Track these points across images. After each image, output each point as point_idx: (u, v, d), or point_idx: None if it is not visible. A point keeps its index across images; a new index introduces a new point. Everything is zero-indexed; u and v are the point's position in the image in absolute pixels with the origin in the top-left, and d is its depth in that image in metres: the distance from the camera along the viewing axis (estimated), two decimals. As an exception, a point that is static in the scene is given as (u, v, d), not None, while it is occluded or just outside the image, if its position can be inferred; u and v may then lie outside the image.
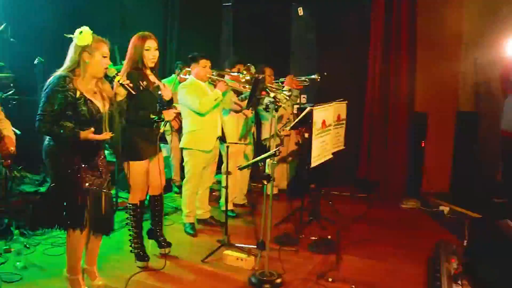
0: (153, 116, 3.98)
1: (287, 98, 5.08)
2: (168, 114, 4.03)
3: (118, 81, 3.49)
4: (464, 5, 7.04)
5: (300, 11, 8.07)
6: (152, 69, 4.18)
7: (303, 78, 6.49)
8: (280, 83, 6.31)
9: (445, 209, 6.18)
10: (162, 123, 4.12)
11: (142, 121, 4.04)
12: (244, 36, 8.20)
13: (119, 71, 3.81)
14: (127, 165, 4.14)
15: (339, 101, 5.71)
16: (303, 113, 4.99)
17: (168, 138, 6.79)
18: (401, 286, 4.15)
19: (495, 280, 3.86)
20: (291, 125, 5.43)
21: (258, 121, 6.48)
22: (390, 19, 6.70)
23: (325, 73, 6.45)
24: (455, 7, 6.95)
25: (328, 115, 5.26)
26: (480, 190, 6.96)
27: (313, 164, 4.94)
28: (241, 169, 3.97)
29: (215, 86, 5.10)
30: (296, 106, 6.44)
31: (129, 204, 4.28)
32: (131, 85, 3.55)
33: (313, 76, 6.45)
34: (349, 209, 6.22)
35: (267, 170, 4.11)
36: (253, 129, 5.95)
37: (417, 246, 5.03)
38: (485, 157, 7.03)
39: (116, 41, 6.35)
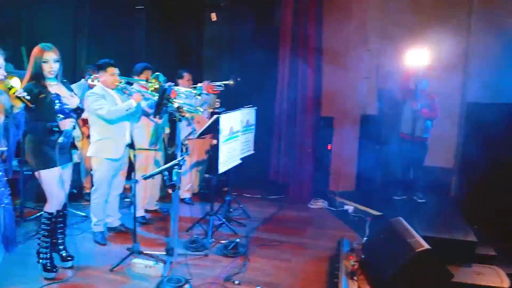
0: (52, 127, 3.94)
1: (193, 108, 5.15)
2: (63, 124, 3.98)
3: (14, 93, 3.42)
4: (368, 15, 7.48)
5: (214, 17, 8.18)
6: (57, 78, 4.13)
7: (218, 83, 6.60)
8: (197, 88, 6.40)
9: (350, 208, 6.54)
10: (74, 130, 4.12)
11: (43, 131, 3.98)
12: (158, 40, 8.17)
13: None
14: (39, 175, 4.07)
15: (247, 107, 5.87)
16: (209, 122, 5.10)
17: (79, 144, 6.65)
18: (303, 285, 4.37)
19: (387, 274, 4.16)
20: (199, 132, 5.52)
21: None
22: (298, 27, 6.96)
23: (239, 79, 6.60)
24: (359, 16, 7.36)
25: (235, 122, 5.41)
26: (382, 189, 7.44)
27: (221, 170, 5.07)
28: (145, 178, 4.00)
29: (124, 93, 5.09)
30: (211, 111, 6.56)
31: (45, 212, 4.19)
32: (28, 97, 3.49)
33: (227, 82, 6.58)
34: (260, 211, 6.42)
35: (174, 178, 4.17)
36: (164, 135, 5.97)
37: (322, 245, 5.30)
38: (387, 158, 7.52)
39: (23, 42, 6.11)
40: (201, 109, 5.28)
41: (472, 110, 7.63)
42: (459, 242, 5.50)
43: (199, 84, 6.43)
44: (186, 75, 6.41)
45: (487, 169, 7.38)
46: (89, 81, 5.83)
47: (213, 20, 8.19)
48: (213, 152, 5.14)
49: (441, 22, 7.42)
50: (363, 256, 4.76)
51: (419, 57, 6.72)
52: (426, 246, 4.11)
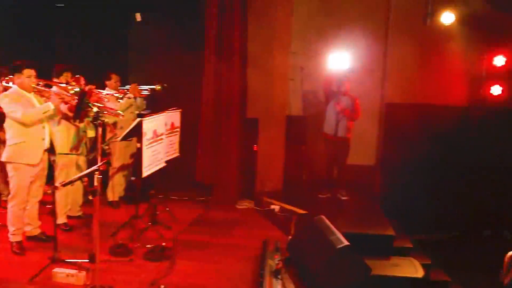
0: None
1: (114, 112, 5.05)
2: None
3: None
4: (292, 19, 7.65)
5: (138, 17, 8.05)
6: None
7: (145, 87, 6.51)
8: (125, 90, 6.30)
9: (276, 207, 6.66)
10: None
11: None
12: (80, 40, 7.91)
13: None
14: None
15: (172, 109, 5.84)
16: (132, 125, 5.03)
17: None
18: (229, 286, 4.42)
19: (310, 271, 4.30)
20: (121, 136, 5.42)
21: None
22: (223, 29, 6.99)
23: (165, 84, 6.54)
24: (283, 19, 7.50)
25: (159, 125, 5.36)
26: (308, 188, 7.65)
27: (145, 174, 5.01)
28: (65, 185, 3.88)
29: (41, 96, 4.90)
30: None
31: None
32: None
33: (154, 87, 6.50)
34: (187, 213, 6.40)
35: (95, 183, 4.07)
36: (85, 139, 5.80)
37: (249, 246, 5.37)
38: (313, 157, 7.74)
39: None
40: (122, 113, 5.19)
41: (390, 110, 8.03)
42: (378, 236, 5.79)
43: (127, 87, 6.35)
44: (114, 77, 6.29)
45: (405, 165, 7.80)
46: (3, 84, 5.54)
47: (138, 20, 8.05)
48: (137, 155, 5.06)
49: (361, 26, 7.74)
50: (288, 255, 4.89)
51: (340, 59, 6.98)
52: (345, 242, 4.28)
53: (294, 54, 7.77)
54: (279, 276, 4.34)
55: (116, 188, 6.57)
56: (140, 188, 5.50)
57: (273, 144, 7.33)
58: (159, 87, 6.42)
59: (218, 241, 5.51)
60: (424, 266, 5.46)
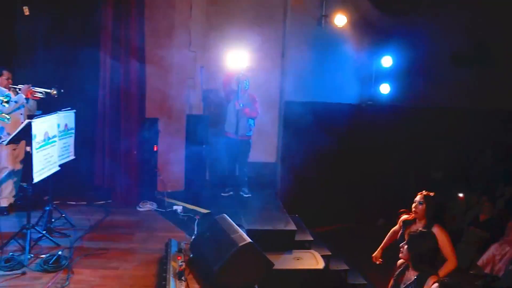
0: None
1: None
2: None
3: None
4: (191, 18, 7.58)
5: (26, 11, 7.51)
6: None
7: (40, 90, 6.07)
8: (17, 90, 5.85)
9: (179, 208, 6.58)
10: None
11: None
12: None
13: None
14: None
15: (65, 110, 5.54)
16: (20, 127, 4.69)
17: None
18: (131, 291, 4.30)
19: (213, 270, 4.29)
20: (8, 139, 5.04)
21: None
22: (119, 27, 6.74)
23: (62, 90, 6.14)
24: (182, 17, 7.42)
25: (51, 126, 5.06)
26: (210, 187, 7.65)
27: (36, 179, 4.70)
28: None
29: None
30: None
31: None
32: None
33: (49, 91, 6.08)
34: (86, 218, 6.11)
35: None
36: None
37: (151, 248, 5.25)
38: (213, 156, 7.74)
39: None
40: (8, 116, 4.82)
41: (289, 108, 8.28)
42: (280, 231, 5.95)
43: (20, 86, 5.89)
44: (6, 73, 5.85)
45: (304, 161, 8.09)
46: None
47: (25, 14, 7.51)
48: (28, 160, 4.72)
49: (259, 26, 7.89)
50: (191, 255, 4.85)
51: (239, 58, 7.06)
52: (247, 240, 4.33)
53: (194, 53, 7.72)
54: (183, 278, 4.28)
55: (4, 194, 6.06)
56: (32, 194, 5.13)
57: (174, 144, 7.23)
58: (55, 92, 6.02)
59: (118, 246, 5.31)
60: (324, 257, 5.70)
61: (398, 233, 4.35)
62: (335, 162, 8.40)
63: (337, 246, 6.80)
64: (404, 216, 4.34)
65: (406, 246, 3.31)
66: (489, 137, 9.56)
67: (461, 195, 8.53)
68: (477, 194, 8.40)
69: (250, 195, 7.24)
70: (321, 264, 5.43)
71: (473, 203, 8.23)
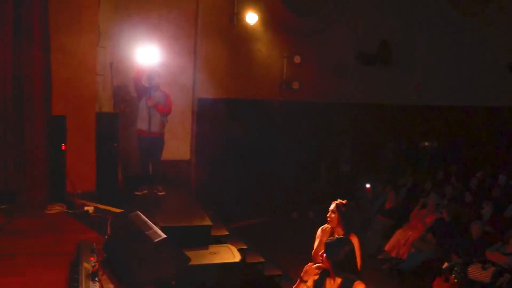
0: None
1: None
2: None
3: None
4: (100, 13, 7.32)
5: None
6: None
7: None
8: None
9: (90, 208, 6.34)
10: None
11: None
12: None
13: None
14: None
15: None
16: None
17: None
18: (40, 296, 4.09)
19: (129, 268, 4.21)
20: None
21: None
22: (21, 22, 6.34)
23: None
24: (90, 11, 7.13)
25: None
26: (124, 186, 7.47)
27: None
28: None
29: None
30: None
31: None
32: None
33: None
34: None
35: None
36: None
37: (61, 252, 5.02)
38: (127, 154, 7.57)
39: None
40: None
41: (202, 104, 8.29)
42: (196, 227, 5.94)
43: None
44: None
45: (218, 158, 8.15)
46: None
47: None
48: None
49: (170, 22, 7.82)
50: (104, 255, 4.70)
51: (151, 54, 6.93)
52: (162, 235, 4.29)
53: (103, 48, 7.48)
54: (97, 278, 4.14)
55: None
56: None
57: (83, 142, 6.94)
58: None
59: (25, 251, 5.02)
60: (240, 250, 5.78)
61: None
62: (249, 157, 8.54)
63: (253, 240, 6.94)
64: (324, 226, 4.38)
65: (325, 255, 3.34)
66: (393, 131, 10.22)
67: (368, 185, 9.01)
68: (382, 184, 8.93)
69: (164, 193, 7.14)
70: (237, 257, 5.49)
71: (379, 193, 8.74)
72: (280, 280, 6.29)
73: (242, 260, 5.59)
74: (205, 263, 5.31)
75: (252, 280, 6.02)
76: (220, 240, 6.04)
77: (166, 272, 4.31)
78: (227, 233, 6.23)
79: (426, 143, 10.75)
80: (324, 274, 3.43)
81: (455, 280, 5.98)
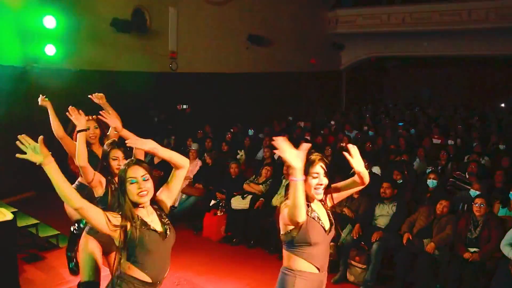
0: None
1: None
2: None
3: None
4: None
5: None
6: None
7: None
8: None
9: None
10: None
11: None
12: None
13: None
14: None
15: None
16: None
17: None
18: None
19: None
20: None
21: None
22: None
23: None
24: None
25: None
26: None
27: None
28: None
29: None
30: None
31: None
32: None
33: None
34: None
35: None
36: None
37: None
38: None
39: None
40: None
41: None
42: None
43: None
44: None
45: None
46: None
47: None
48: None
49: None
50: None
51: None
52: None
53: None
54: None
55: None
56: None
57: None
58: None
59: None
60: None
61: None
62: (3, 131, 7.73)
63: (24, 211, 6.52)
64: None
65: None
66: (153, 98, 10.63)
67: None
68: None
69: None
70: (9, 216, 5.15)
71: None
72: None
73: (14, 219, 5.27)
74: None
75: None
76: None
77: None
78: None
79: (184, 106, 11.47)
80: None
81: (221, 213, 6.77)
